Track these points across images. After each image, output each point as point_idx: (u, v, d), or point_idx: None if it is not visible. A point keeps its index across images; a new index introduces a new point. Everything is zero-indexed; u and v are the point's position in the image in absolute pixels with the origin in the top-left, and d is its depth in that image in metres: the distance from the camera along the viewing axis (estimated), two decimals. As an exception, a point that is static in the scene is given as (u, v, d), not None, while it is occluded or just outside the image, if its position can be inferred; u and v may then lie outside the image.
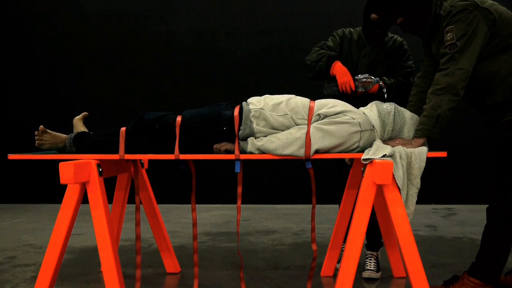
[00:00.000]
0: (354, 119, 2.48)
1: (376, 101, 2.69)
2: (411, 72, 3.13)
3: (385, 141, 2.57)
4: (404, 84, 3.06)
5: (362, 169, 2.45)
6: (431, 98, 2.47)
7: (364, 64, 3.09)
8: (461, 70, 2.42)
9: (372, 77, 2.94)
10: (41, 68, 6.16)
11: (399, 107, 2.64)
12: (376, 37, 3.07)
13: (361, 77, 2.94)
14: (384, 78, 3.05)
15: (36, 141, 2.70)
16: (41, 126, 2.70)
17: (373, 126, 2.55)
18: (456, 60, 2.43)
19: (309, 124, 2.47)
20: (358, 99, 3.04)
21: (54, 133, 2.72)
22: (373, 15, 2.93)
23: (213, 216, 5.25)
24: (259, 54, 5.98)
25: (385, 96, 2.94)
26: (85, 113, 3.03)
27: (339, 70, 2.95)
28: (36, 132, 2.69)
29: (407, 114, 2.62)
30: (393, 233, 2.96)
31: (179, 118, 2.55)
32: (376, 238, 3.21)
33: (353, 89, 2.93)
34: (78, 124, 2.97)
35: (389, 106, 2.62)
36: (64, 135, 2.72)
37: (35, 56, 6.16)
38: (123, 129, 2.58)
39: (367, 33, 3.10)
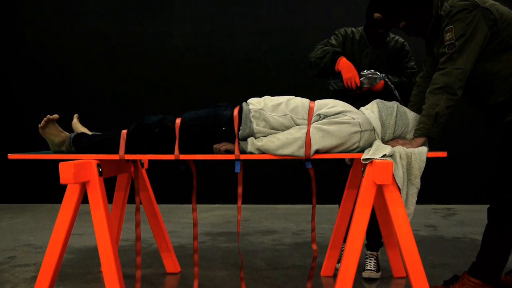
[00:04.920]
0: (354, 119, 2.48)
1: (378, 99, 2.69)
2: (413, 74, 3.12)
3: (385, 142, 2.57)
4: (408, 84, 3.06)
5: (362, 169, 2.45)
6: (429, 98, 2.47)
7: (366, 64, 3.09)
8: (458, 70, 2.42)
9: (378, 73, 2.94)
10: (41, 68, 6.16)
11: (402, 107, 2.63)
12: (378, 37, 3.08)
13: (366, 72, 2.94)
14: (389, 76, 3.05)
15: (42, 122, 2.70)
16: (56, 115, 2.73)
17: (373, 127, 2.55)
18: (454, 60, 2.43)
19: (309, 124, 2.47)
20: (360, 98, 3.05)
21: (60, 129, 2.74)
22: (376, 14, 2.93)
23: (213, 216, 5.26)
24: (259, 54, 5.98)
25: (395, 92, 2.92)
26: (76, 115, 3.06)
27: (344, 65, 2.95)
28: (48, 116, 2.70)
29: (410, 115, 2.62)
30: (393, 233, 2.96)
31: (178, 120, 2.55)
32: (376, 238, 3.21)
33: (358, 84, 2.92)
34: (77, 127, 2.98)
35: (391, 106, 2.61)
36: (65, 134, 2.73)
37: (35, 56, 6.16)
38: (124, 131, 2.59)
39: (369, 32, 3.11)
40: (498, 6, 2.49)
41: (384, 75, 2.96)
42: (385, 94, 3.01)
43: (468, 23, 2.41)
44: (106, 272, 2.42)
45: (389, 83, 2.94)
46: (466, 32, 2.42)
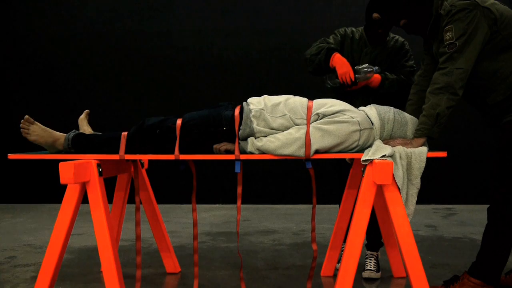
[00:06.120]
0: (353, 118, 2.48)
1: (374, 104, 2.70)
2: (413, 72, 3.13)
3: (385, 141, 2.57)
4: (406, 82, 3.07)
5: (362, 169, 2.45)
6: (429, 98, 2.47)
7: (365, 63, 3.09)
8: (459, 69, 2.42)
9: (372, 66, 2.94)
10: (41, 68, 6.16)
11: (398, 109, 2.66)
12: (378, 36, 3.08)
13: (360, 67, 2.95)
14: (387, 73, 3.05)
15: (21, 130, 2.65)
16: (26, 115, 2.66)
17: (372, 124, 2.55)
18: (454, 59, 2.43)
19: (308, 124, 2.47)
20: (360, 95, 3.05)
21: (45, 128, 2.69)
22: (375, 15, 2.93)
23: (213, 216, 5.26)
24: (259, 54, 5.98)
25: (386, 80, 2.94)
26: (87, 110, 3.03)
27: (338, 61, 2.95)
28: (22, 121, 2.65)
29: (407, 114, 2.63)
30: (393, 233, 2.96)
31: (179, 121, 2.55)
32: (376, 238, 3.21)
33: (353, 79, 2.93)
34: (83, 124, 2.97)
35: (388, 107, 2.64)
36: (58, 133, 2.70)
37: (35, 56, 6.16)
38: (124, 133, 2.58)
39: (368, 32, 3.11)
40: (498, 5, 2.49)
41: (377, 67, 2.96)
42: (382, 91, 3.02)
43: (468, 23, 2.41)
44: (106, 272, 2.42)
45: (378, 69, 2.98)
46: (466, 31, 2.42)
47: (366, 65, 2.96)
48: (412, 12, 2.60)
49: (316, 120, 2.50)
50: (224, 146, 2.51)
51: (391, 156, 2.40)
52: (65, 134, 2.71)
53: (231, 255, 3.68)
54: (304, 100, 2.59)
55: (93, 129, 2.99)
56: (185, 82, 6.04)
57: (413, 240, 2.34)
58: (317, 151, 2.44)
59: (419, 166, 2.42)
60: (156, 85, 6.07)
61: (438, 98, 2.44)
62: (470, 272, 2.60)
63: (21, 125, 2.66)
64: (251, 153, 2.48)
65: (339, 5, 5.89)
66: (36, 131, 2.67)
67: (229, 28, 6.01)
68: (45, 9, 6.14)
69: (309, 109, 2.52)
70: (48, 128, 2.70)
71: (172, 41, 6.05)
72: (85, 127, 2.96)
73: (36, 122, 2.69)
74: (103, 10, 6.09)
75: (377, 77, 3.01)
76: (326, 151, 2.46)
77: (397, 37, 3.19)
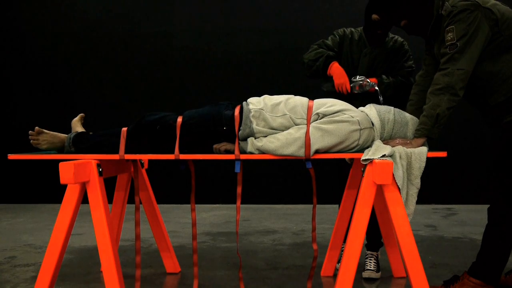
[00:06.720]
0: (353, 117, 2.48)
1: (373, 104, 2.70)
2: (411, 72, 3.13)
3: (385, 141, 2.57)
4: (404, 83, 3.07)
5: (362, 169, 2.45)
6: (430, 98, 2.47)
7: (365, 64, 3.09)
8: (460, 70, 2.42)
9: (368, 80, 2.96)
10: (41, 68, 6.16)
11: (398, 109, 2.65)
12: (377, 37, 3.08)
13: (358, 79, 2.96)
14: (383, 76, 3.06)
15: (32, 141, 2.68)
16: (36, 127, 2.68)
17: (372, 124, 2.55)
18: (455, 60, 2.43)
19: (308, 124, 2.47)
20: (357, 98, 3.06)
21: (52, 132, 2.70)
22: (374, 16, 2.94)
23: (213, 216, 5.26)
24: (259, 54, 5.98)
25: (381, 99, 2.95)
26: (82, 114, 3.04)
27: (336, 71, 2.97)
28: (30, 132, 2.67)
29: (407, 114, 2.63)
30: (393, 233, 2.96)
31: (179, 119, 2.55)
32: (376, 238, 3.21)
33: (349, 91, 2.96)
34: (76, 126, 2.97)
35: (388, 107, 2.63)
36: (62, 135, 2.71)
37: (35, 56, 6.16)
38: (124, 129, 2.58)
39: (368, 33, 3.11)
40: (499, 6, 2.49)
41: (374, 83, 2.97)
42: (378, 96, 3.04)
43: (469, 24, 2.41)
44: (106, 272, 2.42)
45: (380, 96, 2.96)
46: (467, 32, 2.41)
47: (363, 77, 2.98)
48: (412, 13, 2.60)
49: (316, 120, 2.50)
50: (224, 146, 2.51)
51: (391, 156, 2.40)
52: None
53: (231, 255, 3.68)
54: (305, 100, 2.59)
55: (92, 129, 2.99)
56: (185, 82, 6.03)
57: (413, 240, 2.34)
58: (317, 151, 2.44)
59: (419, 166, 2.42)
60: (156, 85, 6.07)
61: (438, 98, 2.44)
62: (470, 272, 2.60)
63: (30, 137, 2.67)
64: (251, 153, 2.48)
65: (339, 5, 5.89)
66: (46, 139, 2.69)
67: (229, 28, 6.01)
68: (45, 9, 6.13)
69: (309, 109, 2.52)
70: (55, 133, 2.72)
71: (172, 41, 6.05)
72: (78, 129, 2.95)
73: (44, 130, 2.70)
74: (103, 10, 6.09)
75: (373, 81, 3.02)
76: (326, 151, 2.46)
77: (396, 37, 3.19)
